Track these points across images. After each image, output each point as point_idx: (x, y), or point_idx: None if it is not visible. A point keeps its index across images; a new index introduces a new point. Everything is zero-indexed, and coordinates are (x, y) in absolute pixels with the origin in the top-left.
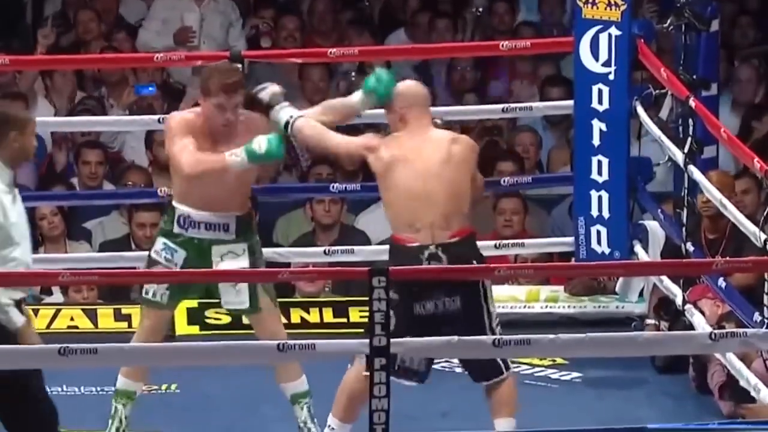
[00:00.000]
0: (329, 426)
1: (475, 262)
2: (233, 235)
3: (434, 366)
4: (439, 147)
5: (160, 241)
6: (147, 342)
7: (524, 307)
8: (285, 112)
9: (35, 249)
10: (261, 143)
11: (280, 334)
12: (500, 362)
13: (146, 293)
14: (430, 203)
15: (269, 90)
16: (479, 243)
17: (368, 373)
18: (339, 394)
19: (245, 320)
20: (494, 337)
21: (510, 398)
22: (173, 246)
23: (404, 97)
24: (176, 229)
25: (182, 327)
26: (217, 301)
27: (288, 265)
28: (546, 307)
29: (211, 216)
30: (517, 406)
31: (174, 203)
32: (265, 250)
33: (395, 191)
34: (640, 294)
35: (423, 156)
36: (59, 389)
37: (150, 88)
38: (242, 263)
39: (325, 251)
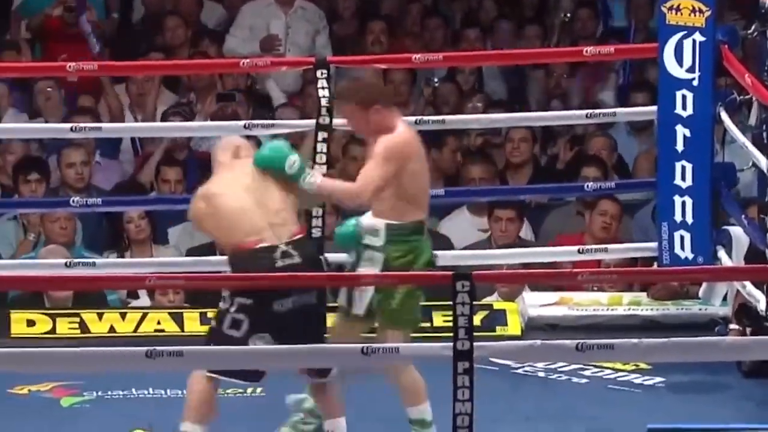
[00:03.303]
0: None
1: (321, 257)
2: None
3: (517, 371)
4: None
5: None
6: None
7: (607, 310)
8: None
9: (121, 253)
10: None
11: None
12: None
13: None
14: (264, 209)
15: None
16: (563, 248)
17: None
18: (188, 396)
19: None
20: (576, 341)
21: (340, 397)
22: None
23: None
24: None
25: None
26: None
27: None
28: (629, 309)
29: None
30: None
31: None
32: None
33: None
34: (724, 298)
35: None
36: (146, 392)
37: None
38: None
39: None
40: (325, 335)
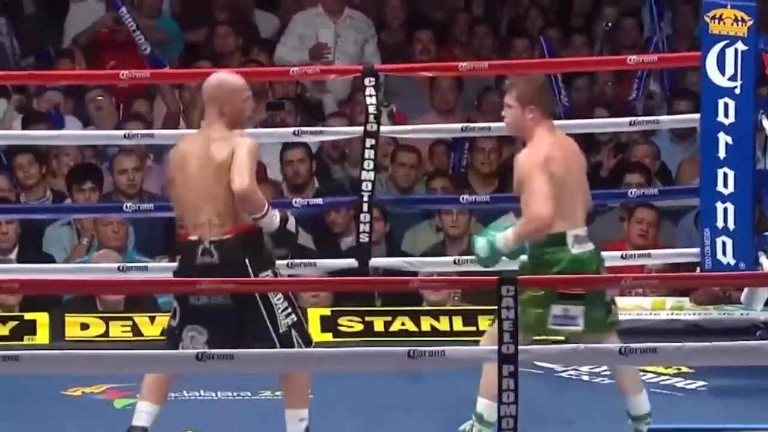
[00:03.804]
0: (138, 410)
1: (247, 261)
2: None
3: (561, 374)
4: (199, 151)
5: None
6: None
7: (650, 314)
8: None
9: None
10: None
11: None
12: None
13: None
14: (207, 202)
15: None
16: (607, 253)
17: None
18: (147, 376)
19: (377, 327)
20: (620, 345)
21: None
22: None
23: None
24: None
25: (316, 334)
26: (350, 309)
27: (416, 274)
28: (671, 314)
29: None
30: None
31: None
32: (393, 259)
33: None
34: (766, 303)
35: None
36: (197, 394)
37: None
38: None
39: (455, 261)
40: (259, 335)
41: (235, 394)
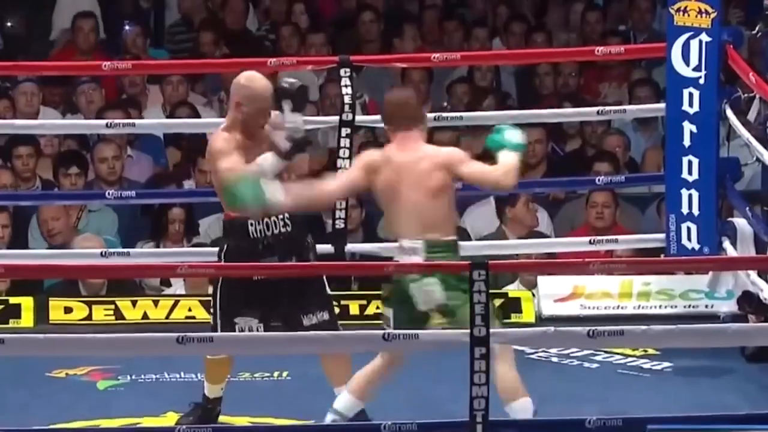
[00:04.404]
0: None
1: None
2: None
3: (530, 356)
4: None
5: None
6: None
7: (617, 307)
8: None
9: (157, 243)
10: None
11: None
12: None
13: None
14: None
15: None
16: (576, 238)
17: None
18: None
19: (353, 311)
20: (588, 328)
21: None
22: None
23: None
24: None
25: None
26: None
27: (391, 259)
28: (639, 307)
29: None
30: None
31: None
32: (370, 245)
33: None
34: (729, 293)
35: None
36: (177, 376)
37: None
38: None
39: None
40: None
41: None
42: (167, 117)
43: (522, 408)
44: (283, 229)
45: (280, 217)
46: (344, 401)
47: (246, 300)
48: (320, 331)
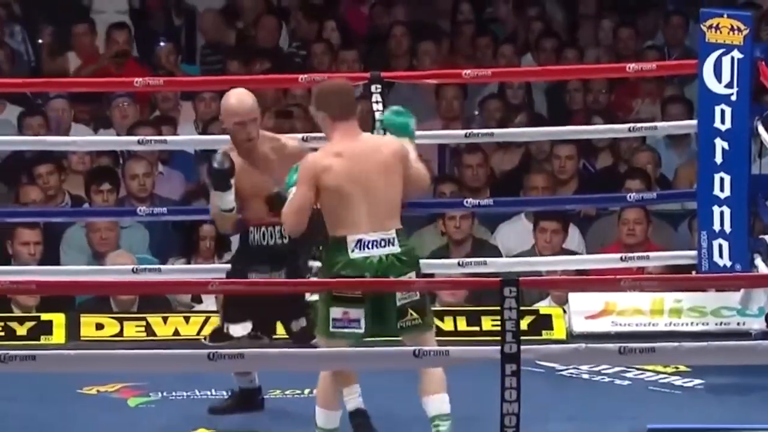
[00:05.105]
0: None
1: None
2: None
3: (561, 372)
4: None
5: None
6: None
7: (649, 324)
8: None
9: (188, 259)
10: None
11: None
12: None
13: None
14: None
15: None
16: (607, 255)
17: None
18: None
19: None
20: (619, 345)
21: None
22: None
23: None
24: None
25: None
26: None
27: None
28: (670, 324)
29: None
30: None
31: None
32: None
33: None
34: (762, 309)
35: None
36: (208, 393)
37: None
38: None
39: (459, 263)
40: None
41: None
42: (200, 133)
43: (442, 400)
44: (279, 241)
45: (277, 228)
46: (321, 416)
47: (243, 305)
48: (303, 335)
